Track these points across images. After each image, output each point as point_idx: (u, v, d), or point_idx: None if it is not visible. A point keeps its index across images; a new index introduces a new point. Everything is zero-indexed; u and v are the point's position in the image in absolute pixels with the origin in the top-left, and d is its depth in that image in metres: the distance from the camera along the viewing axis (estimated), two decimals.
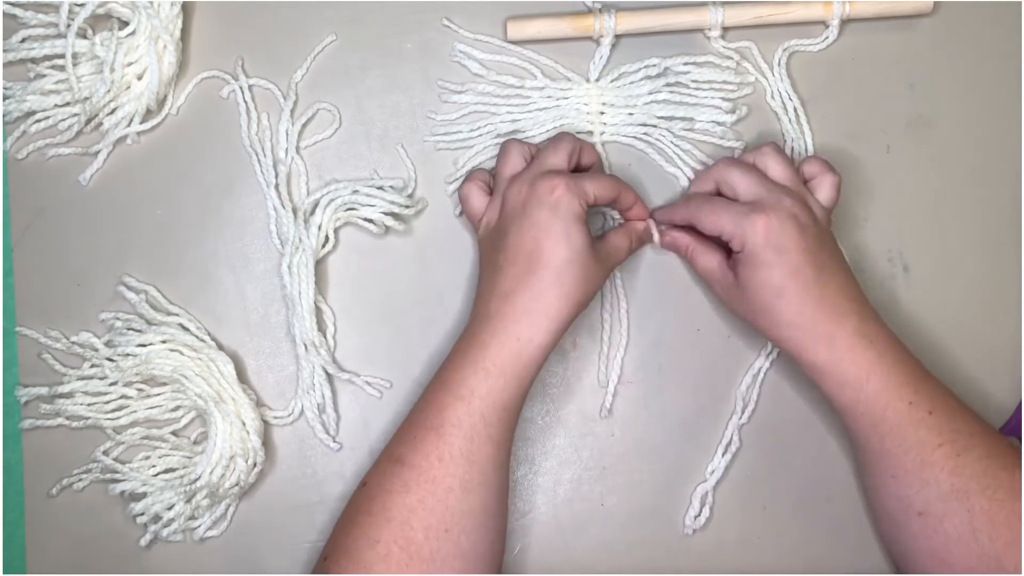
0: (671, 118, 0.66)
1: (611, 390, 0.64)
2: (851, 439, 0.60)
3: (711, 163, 0.64)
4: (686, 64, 0.65)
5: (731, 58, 0.66)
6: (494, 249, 0.59)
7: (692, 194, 0.62)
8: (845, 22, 0.66)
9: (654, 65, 0.65)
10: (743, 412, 0.64)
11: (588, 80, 0.66)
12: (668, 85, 0.65)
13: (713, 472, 0.64)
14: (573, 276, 0.56)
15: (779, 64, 0.66)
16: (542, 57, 0.66)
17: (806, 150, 0.65)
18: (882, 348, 0.56)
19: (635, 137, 0.66)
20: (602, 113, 0.66)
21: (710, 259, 0.61)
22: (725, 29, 0.65)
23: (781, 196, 0.58)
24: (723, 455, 0.64)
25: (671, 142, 0.65)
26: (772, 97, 0.66)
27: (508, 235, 0.58)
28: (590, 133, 0.65)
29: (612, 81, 0.66)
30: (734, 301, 0.60)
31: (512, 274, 0.57)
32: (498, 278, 0.57)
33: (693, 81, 0.66)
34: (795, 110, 0.66)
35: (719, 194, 0.61)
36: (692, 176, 0.65)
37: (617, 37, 0.65)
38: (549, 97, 0.66)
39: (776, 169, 0.59)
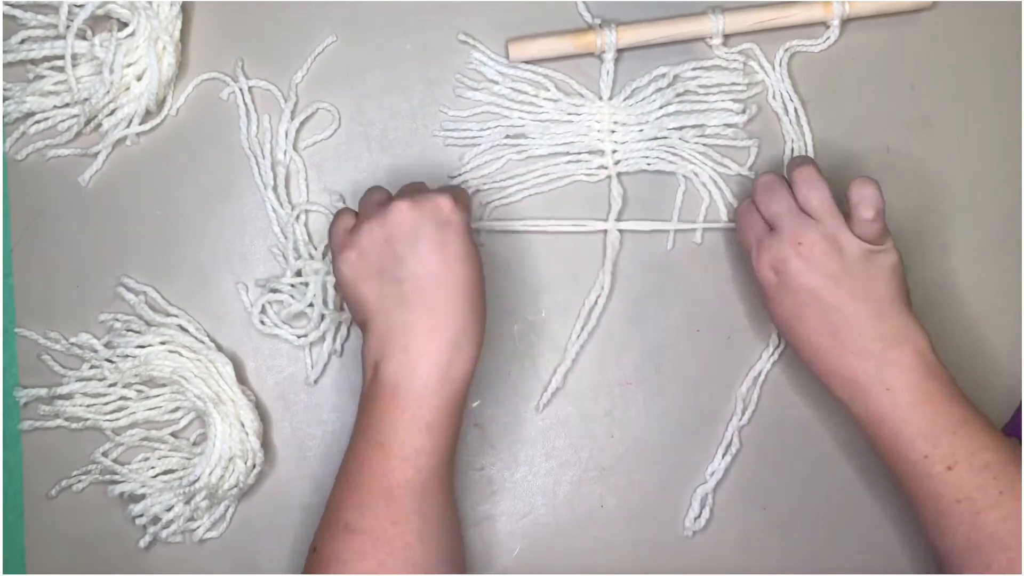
0: (682, 127, 0.65)
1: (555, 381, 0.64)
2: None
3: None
4: (695, 69, 0.65)
5: (737, 59, 0.65)
6: (390, 282, 0.54)
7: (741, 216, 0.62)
8: (846, 22, 0.65)
9: (663, 75, 0.65)
10: (743, 414, 0.64)
11: (601, 98, 0.65)
12: (678, 95, 0.65)
13: (713, 473, 0.64)
14: (482, 294, 0.55)
15: (780, 64, 0.66)
16: (556, 73, 0.65)
17: (806, 150, 0.65)
18: (899, 396, 0.54)
19: (648, 152, 0.65)
20: (613, 132, 0.65)
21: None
22: (726, 36, 0.65)
23: (800, 230, 0.57)
24: (723, 456, 0.64)
25: (686, 151, 0.65)
26: (773, 97, 0.66)
27: (405, 264, 0.54)
28: (601, 153, 0.65)
29: (625, 100, 0.65)
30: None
31: (425, 306, 0.53)
32: (408, 314, 0.54)
33: (702, 86, 0.65)
34: (795, 111, 0.66)
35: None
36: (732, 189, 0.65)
37: (619, 51, 0.65)
38: (561, 111, 0.65)
39: (812, 200, 0.57)
